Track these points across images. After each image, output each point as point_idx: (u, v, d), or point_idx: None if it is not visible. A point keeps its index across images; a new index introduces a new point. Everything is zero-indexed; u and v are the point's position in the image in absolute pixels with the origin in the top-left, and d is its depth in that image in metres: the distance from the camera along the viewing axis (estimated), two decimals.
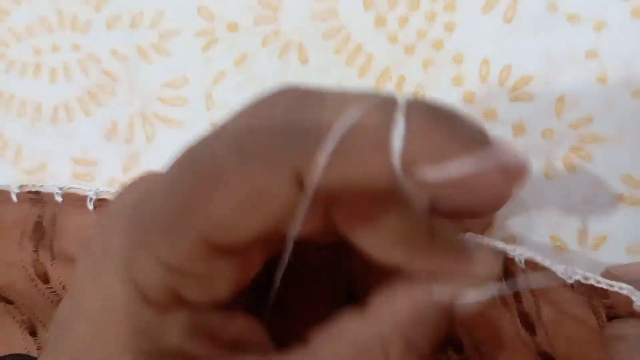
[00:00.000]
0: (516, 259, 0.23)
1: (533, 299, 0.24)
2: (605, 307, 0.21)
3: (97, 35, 0.36)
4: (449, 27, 0.33)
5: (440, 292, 0.20)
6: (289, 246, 0.19)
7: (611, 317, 0.21)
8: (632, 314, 0.20)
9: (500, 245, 0.24)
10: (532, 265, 0.24)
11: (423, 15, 0.33)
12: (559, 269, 0.21)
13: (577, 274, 0.21)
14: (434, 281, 0.20)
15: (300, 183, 0.16)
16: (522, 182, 0.17)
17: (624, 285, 0.20)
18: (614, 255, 0.31)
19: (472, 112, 0.33)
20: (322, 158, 0.16)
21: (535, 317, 0.24)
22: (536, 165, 0.32)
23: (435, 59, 0.33)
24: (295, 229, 0.18)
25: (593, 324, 0.22)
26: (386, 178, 0.16)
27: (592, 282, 0.21)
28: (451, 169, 0.15)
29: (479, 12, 0.32)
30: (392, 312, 0.19)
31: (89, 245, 0.19)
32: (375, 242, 0.19)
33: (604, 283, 0.20)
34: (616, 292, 0.20)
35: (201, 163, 0.17)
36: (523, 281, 0.23)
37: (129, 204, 0.19)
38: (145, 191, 0.19)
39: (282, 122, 0.16)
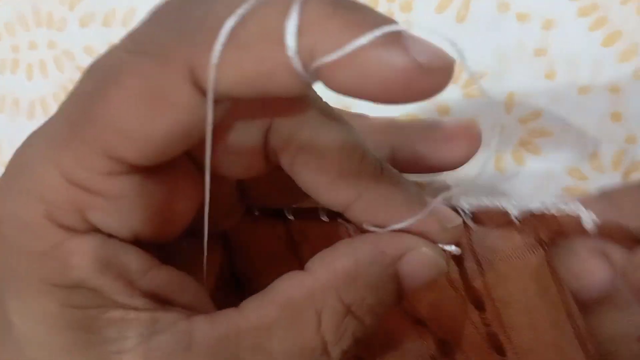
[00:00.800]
0: (461, 211, 0.21)
1: (478, 270, 0.24)
2: (555, 233, 0.20)
3: (72, 33, 0.37)
4: (407, 25, 0.34)
5: (386, 247, 0.18)
6: (207, 174, 0.17)
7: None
8: (583, 234, 0.19)
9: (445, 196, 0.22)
10: (478, 217, 0.22)
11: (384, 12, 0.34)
12: (504, 204, 0.20)
13: (521, 206, 0.20)
14: (379, 237, 0.19)
15: (196, 83, 0.15)
16: (433, 74, 0.14)
17: (570, 203, 0.19)
18: None
19: (426, 108, 0.34)
20: (215, 52, 0.14)
21: (484, 293, 0.25)
22: (488, 158, 0.33)
23: None
24: (209, 150, 0.16)
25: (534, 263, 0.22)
26: (284, 71, 0.14)
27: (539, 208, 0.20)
28: (351, 54, 0.14)
29: (433, 12, 0.34)
30: (328, 271, 0.18)
31: (7, 168, 0.17)
32: (318, 177, 0.18)
33: (551, 206, 0.20)
34: (565, 216, 0.19)
35: (100, 68, 0.16)
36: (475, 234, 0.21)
37: (46, 124, 0.17)
38: (59, 108, 0.17)
39: (176, 17, 0.15)
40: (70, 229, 0.16)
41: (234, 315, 0.17)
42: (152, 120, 0.15)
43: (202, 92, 0.15)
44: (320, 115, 0.18)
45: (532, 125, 0.33)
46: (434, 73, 0.14)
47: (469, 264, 0.22)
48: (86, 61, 0.37)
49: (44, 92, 0.38)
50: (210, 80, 0.15)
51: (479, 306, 0.24)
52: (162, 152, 0.16)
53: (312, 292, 0.18)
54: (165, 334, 0.17)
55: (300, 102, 0.18)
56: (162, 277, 0.18)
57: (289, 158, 0.19)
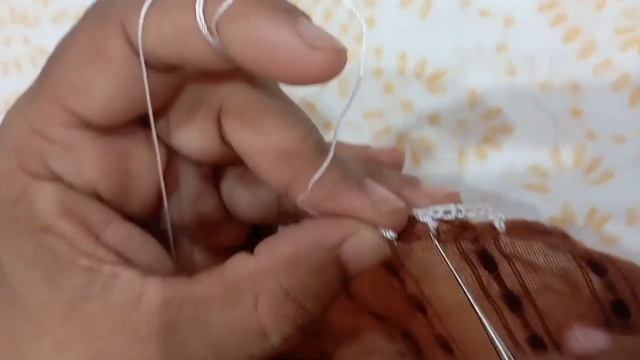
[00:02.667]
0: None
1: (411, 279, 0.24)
2: (472, 241, 0.20)
3: (45, 29, 0.38)
4: (370, 22, 0.35)
5: (326, 232, 0.18)
6: (151, 121, 0.19)
7: (480, 250, 0.20)
8: (495, 238, 0.20)
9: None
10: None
11: (346, 11, 0.35)
12: (421, 212, 0.20)
13: (437, 212, 0.20)
14: (320, 223, 0.19)
15: (128, 40, 0.17)
16: (327, 58, 0.15)
17: (481, 205, 0.19)
18: None
19: (391, 103, 0.34)
20: (141, 13, 0.16)
21: (419, 295, 0.25)
22: (451, 154, 0.34)
23: (357, 53, 0.34)
24: (149, 104, 0.18)
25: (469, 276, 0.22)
26: (194, 34, 0.16)
27: (453, 213, 0.19)
28: (244, 25, 0.15)
29: (397, 8, 0.34)
30: (269, 256, 0.18)
31: None
32: (261, 155, 0.19)
33: (463, 211, 0.19)
34: (479, 223, 0.20)
35: (68, 32, 0.18)
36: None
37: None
38: None
39: None
40: (35, 176, 0.18)
41: (183, 284, 0.18)
42: (92, 73, 0.17)
43: (134, 50, 0.17)
44: (267, 96, 0.19)
45: (493, 122, 0.33)
46: (319, 54, 0.15)
47: (414, 270, 0.22)
48: None
49: (19, 88, 0.39)
50: (140, 32, 0.17)
51: (421, 309, 0.25)
52: (108, 108, 0.18)
53: (253, 275, 0.18)
54: (121, 289, 0.18)
55: (248, 81, 0.19)
56: (123, 232, 0.19)
57: (236, 137, 0.19)
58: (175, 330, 0.17)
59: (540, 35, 0.32)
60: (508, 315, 0.23)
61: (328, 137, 0.20)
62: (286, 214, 0.23)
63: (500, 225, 0.19)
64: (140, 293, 0.18)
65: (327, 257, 0.18)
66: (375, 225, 0.19)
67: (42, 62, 0.38)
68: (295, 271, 0.18)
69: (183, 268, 0.22)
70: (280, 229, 0.25)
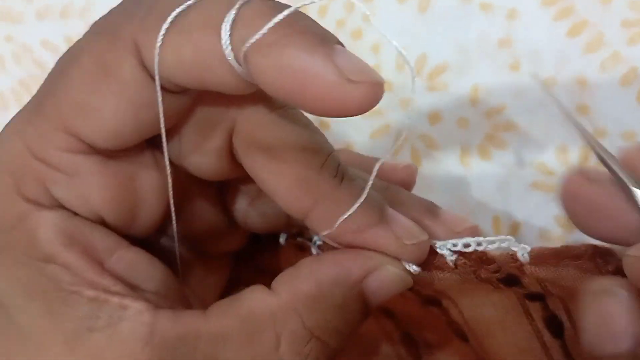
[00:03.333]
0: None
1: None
2: (493, 272, 0.19)
3: (29, 26, 0.37)
4: (367, 17, 0.33)
5: (350, 267, 0.18)
6: (165, 151, 0.18)
7: (504, 278, 0.20)
8: (520, 269, 0.19)
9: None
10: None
11: (342, 5, 0.34)
12: (439, 244, 0.19)
13: (457, 244, 0.19)
14: (342, 256, 0.19)
15: (141, 62, 0.16)
16: (364, 92, 0.15)
17: (502, 237, 0.19)
18: (528, 241, 0.31)
19: (390, 101, 0.33)
20: (159, 34, 0.15)
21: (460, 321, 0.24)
22: (453, 153, 0.32)
23: (354, 49, 0.33)
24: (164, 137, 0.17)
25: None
26: (218, 61, 0.15)
27: (472, 246, 0.19)
28: (278, 56, 0.15)
29: (395, 2, 0.33)
30: (290, 293, 0.18)
31: None
32: (278, 181, 0.18)
33: (483, 243, 0.19)
34: (501, 255, 0.19)
35: (69, 51, 0.17)
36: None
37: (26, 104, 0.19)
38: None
39: (131, 4, 0.16)
40: (35, 203, 0.17)
41: (197, 318, 0.17)
42: (101, 95, 0.16)
43: (149, 72, 0.16)
44: (283, 119, 0.18)
45: (497, 119, 0.32)
46: (357, 88, 0.14)
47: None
48: (43, 55, 0.36)
49: (3, 88, 0.37)
50: (156, 56, 0.16)
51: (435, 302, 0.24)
52: (116, 132, 0.17)
53: (274, 313, 0.17)
54: (130, 322, 0.17)
55: (263, 104, 0.18)
56: (130, 258, 0.18)
57: (250, 160, 0.18)
58: None
59: (545, 29, 0.31)
60: (529, 303, 0.22)
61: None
62: (293, 225, 0.23)
63: (523, 256, 0.18)
64: (151, 326, 0.17)
65: (351, 292, 0.18)
66: (398, 259, 0.19)
67: (25, 60, 0.36)
68: (318, 308, 0.17)
69: (184, 278, 0.22)
70: (282, 236, 0.24)
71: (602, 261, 0.18)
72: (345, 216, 0.17)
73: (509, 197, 0.32)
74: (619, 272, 0.18)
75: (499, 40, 0.32)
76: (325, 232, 0.18)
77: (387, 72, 0.33)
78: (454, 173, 0.32)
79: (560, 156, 0.31)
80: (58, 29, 0.36)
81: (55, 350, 0.17)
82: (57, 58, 0.18)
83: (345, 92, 0.14)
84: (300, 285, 0.18)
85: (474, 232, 0.20)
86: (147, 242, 0.20)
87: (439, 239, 0.19)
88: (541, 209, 0.31)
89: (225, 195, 0.22)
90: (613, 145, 0.30)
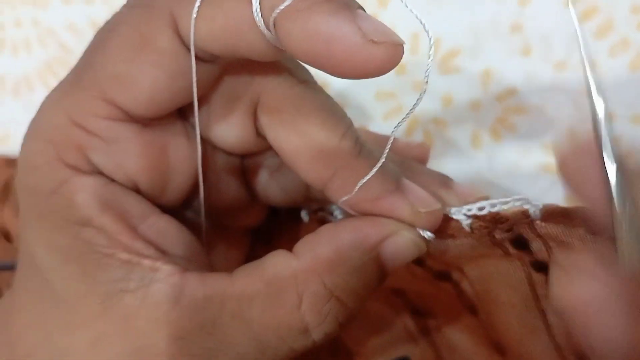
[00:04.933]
0: None
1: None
2: (506, 231, 0.20)
3: (55, 10, 0.38)
4: (382, 3, 0.34)
5: (368, 232, 0.19)
6: (196, 118, 0.18)
7: (515, 239, 0.20)
8: (531, 225, 0.19)
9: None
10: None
11: None
12: (454, 210, 0.20)
13: (471, 210, 0.20)
14: (361, 222, 0.19)
15: (177, 32, 0.17)
16: (386, 52, 0.15)
17: (516, 196, 0.19)
18: None
19: (403, 84, 0.34)
20: (195, 5, 0.16)
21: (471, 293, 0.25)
22: (464, 136, 0.33)
23: None
24: (195, 97, 0.18)
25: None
26: (249, 28, 0.16)
27: (486, 209, 0.19)
28: (306, 21, 0.15)
29: None
30: (311, 256, 0.19)
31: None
32: (299, 152, 0.19)
33: (497, 205, 0.19)
34: (513, 212, 0.19)
35: (106, 23, 0.18)
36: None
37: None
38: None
39: None
40: (75, 169, 0.18)
41: (224, 280, 0.18)
42: (139, 65, 0.17)
43: (184, 42, 0.17)
44: (306, 92, 0.19)
45: (508, 103, 0.32)
46: (379, 48, 0.15)
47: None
48: (69, 39, 0.37)
49: (28, 70, 0.38)
50: (192, 26, 0.16)
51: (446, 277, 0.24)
52: (152, 100, 0.18)
53: (296, 275, 0.18)
54: (161, 284, 0.18)
55: (287, 77, 0.19)
56: (161, 225, 0.19)
57: (273, 131, 0.19)
58: (217, 326, 0.18)
59: (555, 14, 0.32)
60: (535, 275, 0.22)
61: None
62: (312, 199, 0.23)
63: (534, 213, 0.19)
64: (181, 288, 0.18)
65: (368, 256, 0.19)
66: (413, 226, 0.19)
67: (51, 43, 0.37)
68: (337, 271, 0.18)
69: (208, 251, 0.23)
70: (303, 211, 0.25)
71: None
72: (363, 181, 0.18)
73: (519, 180, 0.32)
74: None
75: (511, 25, 0.32)
76: (345, 198, 0.19)
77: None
78: (466, 155, 0.33)
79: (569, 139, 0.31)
80: (83, 13, 0.37)
81: (89, 312, 0.18)
82: (82, 41, 0.19)
83: (368, 53, 0.15)
84: (321, 249, 0.19)
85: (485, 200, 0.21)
86: (174, 214, 0.21)
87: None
88: (551, 191, 0.32)
89: (248, 169, 0.23)
90: (622, 127, 0.30)
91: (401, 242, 0.19)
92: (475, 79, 0.33)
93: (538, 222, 0.19)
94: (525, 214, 0.19)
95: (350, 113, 0.34)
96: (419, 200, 0.19)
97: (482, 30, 0.33)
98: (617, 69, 0.31)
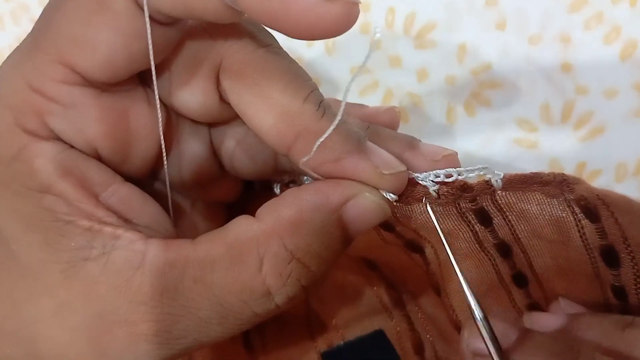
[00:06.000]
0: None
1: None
2: (470, 200, 0.20)
3: None
4: None
5: (328, 194, 0.19)
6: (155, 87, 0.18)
7: (477, 209, 0.21)
8: (492, 194, 0.20)
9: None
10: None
11: None
12: (423, 175, 0.20)
13: (439, 176, 0.20)
14: (322, 185, 0.19)
15: None
16: (341, 10, 0.15)
17: (480, 165, 0.20)
18: None
19: (379, 58, 0.34)
20: None
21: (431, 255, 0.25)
22: (439, 110, 0.33)
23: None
24: (151, 62, 0.17)
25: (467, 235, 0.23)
26: None
27: (454, 176, 0.20)
28: None
29: None
30: (273, 219, 0.18)
31: None
32: (263, 116, 0.18)
33: (464, 173, 0.20)
34: (478, 182, 0.20)
35: None
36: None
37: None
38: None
39: None
40: (34, 134, 0.18)
41: (186, 246, 0.18)
42: (95, 27, 0.17)
43: (139, 4, 0.16)
44: (269, 56, 0.19)
45: (482, 77, 0.32)
46: (334, 6, 0.15)
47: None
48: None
49: (2, 46, 0.38)
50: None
51: (419, 249, 0.25)
52: (110, 63, 0.17)
53: (257, 237, 0.18)
54: (122, 250, 0.18)
55: (249, 41, 0.19)
56: (123, 193, 0.19)
57: (236, 96, 0.19)
58: (178, 291, 0.18)
59: None
60: (499, 261, 0.23)
61: None
62: (282, 171, 0.23)
63: (497, 182, 0.19)
64: (143, 254, 0.18)
65: (330, 218, 0.18)
66: (376, 188, 0.19)
67: (24, 18, 0.37)
68: (298, 232, 0.18)
69: (180, 226, 0.22)
70: (275, 184, 0.25)
71: (568, 188, 0.19)
72: (321, 139, 0.18)
73: (493, 153, 0.33)
74: (581, 199, 0.19)
75: None
76: (305, 159, 0.18)
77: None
78: (441, 129, 0.33)
79: (542, 114, 0.32)
80: None
81: (52, 280, 0.18)
82: None
83: (323, 11, 0.15)
84: (283, 211, 0.18)
85: (453, 159, 0.21)
86: (143, 186, 0.20)
87: (420, 170, 0.20)
88: (523, 164, 0.32)
89: (215, 139, 0.23)
90: (594, 102, 0.31)
91: (364, 204, 0.19)
92: (450, 53, 0.33)
93: (499, 192, 0.20)
94: (488, 184, 0.20)
95: (325, 88, 0.34)
96: (382, 162, 0.19)
97: (458, 5, 0.33)
98: (591, 43, 0.31)
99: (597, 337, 0.20)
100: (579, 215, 0.20)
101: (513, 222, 0.21)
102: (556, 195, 0.19)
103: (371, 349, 0.30)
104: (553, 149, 0.32)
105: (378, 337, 0.30)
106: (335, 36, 0.15)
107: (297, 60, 0.19)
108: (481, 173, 0.20)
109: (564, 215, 0.20)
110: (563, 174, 0.19)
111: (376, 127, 0.22)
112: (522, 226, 0.21)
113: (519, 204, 0.20)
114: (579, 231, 0.20)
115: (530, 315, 0.23)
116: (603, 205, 0.19)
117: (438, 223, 0.20)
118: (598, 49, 0.31)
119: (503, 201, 0.20)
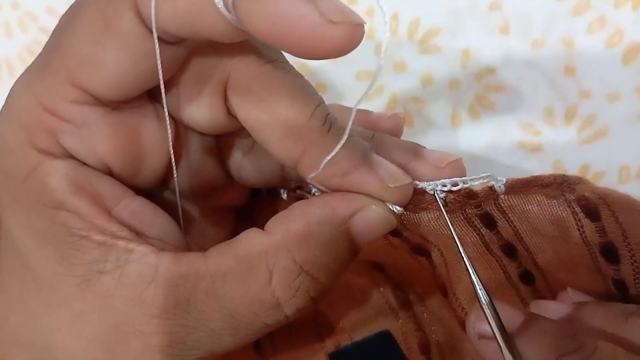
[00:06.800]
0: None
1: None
2: (475, 207, 0.21)
3: None
4: None
5: (336, 207, 0.19)
6: (164, 100, 0.19)
7: (482, 214, 0.21)
8: (496, 199, 0.20)
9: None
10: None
11: None
12: (429, 185, 0.21)
13: (445, 185, 0.20)
14: (330, 198, 0.19)
15: (139, 14, 0.17)
16: (345, 32, 0.15)
17: (484, 174, 0.20)
18: None
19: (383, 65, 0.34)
20: None
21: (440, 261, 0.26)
22: (443, 114, 0.34)
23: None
24: (160, 79, 0.18)
25: (475, 240, 0.23)
26: (211, 10, 0.16)
27: (460, 185, 0.20)
28: (266, 1, 0.15)
29: None
30: (281, 232, 0.19)
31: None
32: (270, 130, 0.19)
33: (469, 182, 0.20)
34: (482, 189, 0.20)
35: (70, 7, 0.18)
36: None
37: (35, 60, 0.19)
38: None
39: None
40: (47, 153, 0.18)
41: (197, 259, 0.19)
42: (103, 48, 0.17)
43: (145, 24, 0.17)
44: (275, 71, 0.19)
45: (486, 81, 0.33)
46: (337, 28, 0.15)
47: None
48: (49, 22, 0.37)
49: (9, 53, 0.38)
50: (153, 7, 0.16)
51: (425, 253, 0.25)
52: (119, 83, 0.18)
53: (266, 251, 0.18)
54: (136, 264, 0.18)
55: (255, 57, 0.19)
56: (135, 206, 0.20)
57: (243, 111, 0.19)
58: (191, 304, 0.18)
59: None
60: (506, 261, 0.23)
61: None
62: (289, 179, 0.23)
63: (500, 188, 0.20)
64: (155, 268, 0.18)
65: (338, 231, 0.19)
66: (383, 200, 0.20)
67: (32, 26, 0.37)
68: (307, 245, 0.18)
69: (189, 232, 0.23)
70: (282, 191, 0.25)
71: (569, 188, 0.20)
72: (328, 157, 0.18)
73: (497, 156, 0.33)
74: (581, 199, 0.19)
75: (490, 3, 0.32)
76: (312, 175, 0.19)
77: (381, 35, 0.34)
78: (445, 133, 0.34)
79: (546, 117, 0.32)
80: None
81: (68, 292, 0.18)
82: None
83: (327, 33, 0.15)
84: (291, 224, 0.19)
85: (458, 165, 0.21)
86: (152, 196, 0.21)
87: (425, 178, 0.21)
88: (528, 167, 0.32)
89: (223, 149, 0.23)
90: (597, 105, 0.31)
91: (370, 216, 0.19)
92: (454, 58, 0.33)
93: (502, 196, 0.20)
94: (492, 190, 0.20)
95: (330, 93, 0.35)
96: (387, 175, 0.19)
97: (462, 10, 0.33)
98: (594, 46, 0.31)
99: (601, 325, 0.21)
100: (579, 214, 0.20)
101: (516, 223, 0.21)
102: (556, 196, 0.20)
103: (378, 349, 0.30)
104: (557, 152, 0.32)
105: (384, 338, 0.30)
106: (339, 56, 0.16)
107: (302, 66, 0.20)
108: (485, 181, 0.20)
109: (564, 215, 0.20)
110: (564, 175, 0.20)
111: (381, 136, 0.22)
112: (524, 226, 0.22)
113: (520, 206, 0.21)
114: (578, 230, 0.21)
115: (537, 302, 0.24)
116: (604, 205, 0.20)
117: (451, 223, 0.21)
118: (601, 52, 0.31)
119: (506, 204, 0.20)
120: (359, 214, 0.19)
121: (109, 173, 0.20)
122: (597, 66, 0.31)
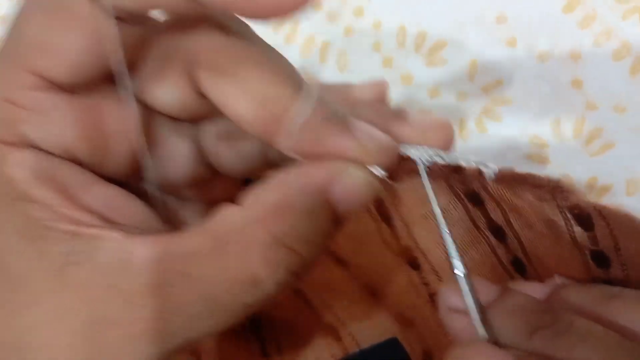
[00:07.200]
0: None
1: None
2: (460, 182, 0.21)
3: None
4: None
5: (312, 175, 0.18)
6: (126, 83, 0.18)
7: (468, 191, 0.21)
8: (483, 183, 0.20)
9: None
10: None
11: None
12: (414, 151, 0.20)
13: (431, 155, 0.19)
14: (306, 167, 0.18)
15: None
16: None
17: (476, 159, 0.20)
18: None
19: (390, 77, 0.34)
20: None
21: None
22: None
23: (356, 26, 0.34)
24: (119, 62, 0.17)
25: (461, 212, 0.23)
26: None
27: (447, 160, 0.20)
28: None
29: None
30: (257, 205, 0.18)
31: None
32: (240, 104, 0.18)
33: (458, 157, 0.20)
34: (469, 168, 0.20)
35: None
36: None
37: None
38: None
39: None
40: (9, 144, 0.18)
41: (170, 240, 0.18)
42: (58, 32, 0.17)
43: (100, 4, 0.16)
44: (240, 42, 0.18)
45: (494, 93, 0.33)
46: None
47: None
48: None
49: None
50: None
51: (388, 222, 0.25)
52: (76, 66, 0.17)
53: (242, 225, 0.18)
54: (107, 251, 0.17)
55: (219, 30, 0.18)
56: (106, 194, 0.19)
57: (213, 88, 0.18)
58: (167, 288, 0.17)
59: (540, 5, 0.32)
60: (494, 242, 0.23)
61: None
62: (274, 165, 0.22)
63: (488, 174, 0.19)
64: (128, 253, 0.17)
65: (316, 199, 0.18)
66: (363, 164, 0.18)
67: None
68: (284, 217, 0.18)
69: (173, 228, 0.22)
70: None
71: (562, 196, 0.19)
72: (299, 119, 0.17)
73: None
74: (575, 208, 0.19)
75: (496, 16, 0.33)
76: (285, 143, 0.18)
77: (388, 49, 0.34)
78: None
79: (554, 129, 0.32)
80: None
81: (44, 287, 0.17)
82: None
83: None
84: (267, 196, 0.18)
85: (445, 127, 0.20)
86: (131, 188, 0.20)
87: (408, 141, 0.20)
88: None
89: (198, 136, 0.22)
90: (604, 117, 0.31)
91: (350, 181, 0.18)
92: (461, 70, 0.33)
93: (491, 183, 0.20)
94: (480, 173, 0.20)
95: None
96: (367, 137, 0.18)
97: (468, 23, 0.33)
98: (601, 59, 0.31)
99: (582, 304, 0.20)
100: (571, 221, 0.20)
101: (506, 210, 0.21)
102: (547, 199, 0.19)
103: (385, 356, 0.30)
104: (564, 165, 0.32)
105: (392, 345, 0.30)
106: (295, 14, 0.15)
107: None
108: (474, 165, 0.20)
109: (555, 219, 0.20)
110: (558, 180, 0.19)
111: (363, 104, 0.22)
112: (514, 216, 0.21)
113: (511, 199, 0.20)
114: (570, 235, 0.20)
115: (517, 283, 0.23)
116: (600, 216, 0.19)
117: (429, 183, 0.20)
118: (608, 65, 0.31)
119: (496, 193, 0.20)
120: (338, 180, 0.18)
121: (76, 161, 0.19)
122: (604, 79, 0.31)
